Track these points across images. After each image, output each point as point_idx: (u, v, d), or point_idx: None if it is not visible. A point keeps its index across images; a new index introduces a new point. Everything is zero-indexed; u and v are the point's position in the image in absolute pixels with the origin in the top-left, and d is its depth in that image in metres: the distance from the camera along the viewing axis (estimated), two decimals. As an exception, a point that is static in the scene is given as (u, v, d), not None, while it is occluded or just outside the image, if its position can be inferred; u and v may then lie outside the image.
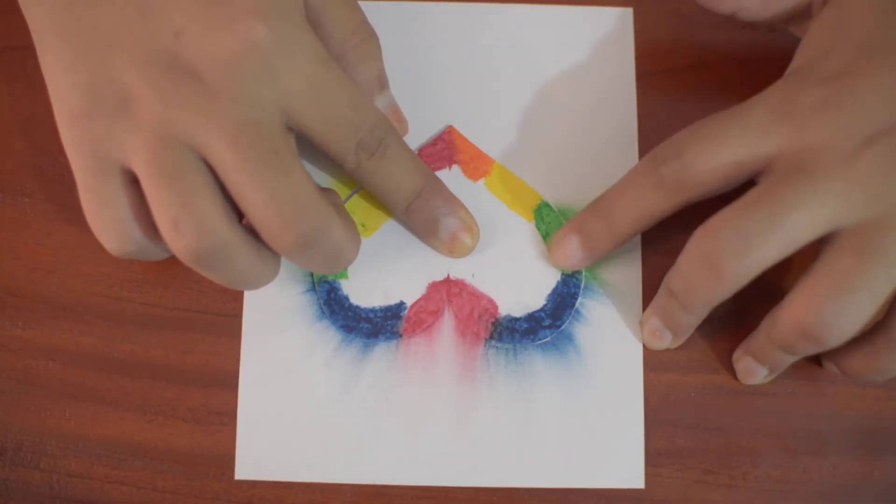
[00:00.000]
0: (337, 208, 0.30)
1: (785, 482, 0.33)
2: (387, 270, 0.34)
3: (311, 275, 0.34)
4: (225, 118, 0.27)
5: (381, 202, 0.33)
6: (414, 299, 0.34)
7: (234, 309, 0.34)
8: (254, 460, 0.33)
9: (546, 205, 0.35)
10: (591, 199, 0.35)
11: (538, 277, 0.34)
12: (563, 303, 0.34)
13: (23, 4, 0.30)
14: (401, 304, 0.34)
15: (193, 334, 0.34)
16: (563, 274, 0.34)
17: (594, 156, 0.35)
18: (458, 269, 0.34)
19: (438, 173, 0.35)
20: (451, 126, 0.35)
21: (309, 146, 0.30)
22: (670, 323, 0.33)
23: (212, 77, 0.27)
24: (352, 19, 0.32)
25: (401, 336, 0.34)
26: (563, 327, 0.34)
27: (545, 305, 0.34)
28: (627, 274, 0.34)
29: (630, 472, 0.33)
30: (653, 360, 0.34)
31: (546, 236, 0.35)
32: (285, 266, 0.33)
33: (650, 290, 0.34)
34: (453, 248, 0.34)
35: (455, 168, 0.35)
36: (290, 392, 0.33)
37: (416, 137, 0.35)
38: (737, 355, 0.33)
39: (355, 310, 0.34)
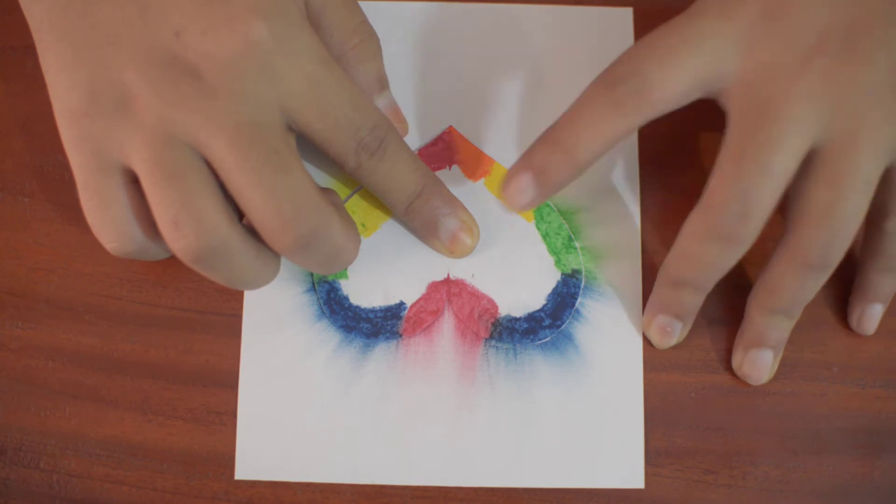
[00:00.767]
0: (337, 208, 0.30)
1: (785, 482, 0.33)
2: (387, 270, 0.34)
3: (311, 275, 0.34)
4: (225, 117, 0.27)
5: (381, 202, 0.33)
6: (414, 299, 0.34)
7: (234, 309, 0.34)
8: (254, 460, 0.33)
9: (546, 205, 0.35)
10: (591, 198, 0.35)
11: (538, 277, 0.34)
12: (563, 303, 0.34)
13: (23, 3, 0.30)
14: (401, 304, 0.34)
15: (193, 334, 0.34)
16: (563, 274, 0.34)
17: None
18: (458, 269, 0.34)
19: (438, 173, 0.35)
20: (451, 126, 0.35)
21: (309, 146, 0.30)
22: (680, 311, 0.33)
23: (212, 76, 0.27)
24: (352, 19, 0.32)
25: (401, 336, 0.34)
26: (563, 327, 0.34)
27: (545, 305, 0.34)
28: (627, 274, 0.34)
29: (630, 472, 0.33)
30: (653, 360, 0.34)
31: (546, 236, 0.35)
32: (285, 266, 0.33)
33: (650, 290, 0.34)
34: (453, 249, 0.34)
35: (455, 168, 0.35)
36: (290, 392, 0.33)
37: (416, 137, 0.35)
38: (737, 357, 0.33)
39: (355, 310, 0.34)
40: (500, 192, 0.33)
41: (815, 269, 0.30)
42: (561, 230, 0.35)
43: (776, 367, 0.33)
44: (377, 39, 0.33)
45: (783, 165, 0.28)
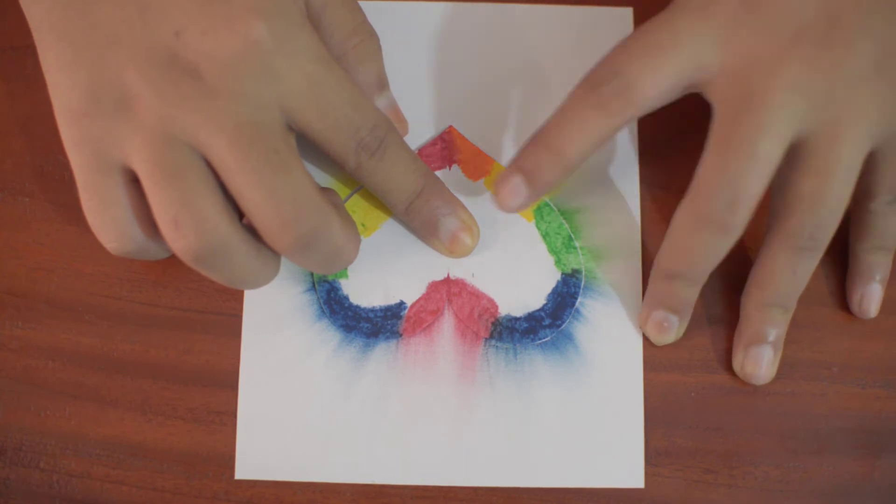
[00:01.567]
0: (337, 208, 0.30)
1: (785, 482, 0.33)
2: (387, 270, 0.34)
3: (311, 274, 0.34)
4: (225, 117, 0.27)
5: (381, 202, 0.33)
6: (414, 299, 0.34)
7: (234, 309, 0.34)
8: (254, 460, 0.33)
9: (546, 204, 0.35)
10: (591, 198, 0.35)
11: (538, 277, 0.34)
12: (563, 302, 0.34)
13: (23, 3, 0.30)
14: (401, 304, 0.34)
15: (193, 334, 0.34)
16: (563, 273, 0.34)
17: (593, 155, 0.35)
18: (458, 268, 0.34)
19: (438, 173, 0.35)
20: (451, 126, 0.35)
21: (309, 146, 0.30)
22: (676, 305, 0.33)
23: (212, 76, 0.27)
24: (352, 19, 0.32)
25: (401, 336, 0.34)
26: (563, 327, 0.34)
27: (545, 305, 0.34)
28: (627, 274, 0.34)
29: (630, 472, 0.33)
30: (653, 360, 0.34)
31: (546, 236, 0.35)
32: (285, 266, 0.33)
33: (650, 289, 0.34)
34: (453, 248, 0.34)
35: (455, 168, 0.35)
36: (290, 392, 0.33)
37: (416, 137, 0.35)
38: (738, 357, 0.33)
39: (355, 309, 0.34)
40: (494, 199, 0.33)
41: (804, 253, 0.30)
42: (561, 230, 0.35)
43: (777, 364, 0.33)
44: (377, 39, 0.33)
45: (769, 152, 0.29)
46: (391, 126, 0.31)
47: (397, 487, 0.33)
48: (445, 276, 0.34)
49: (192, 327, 0.34)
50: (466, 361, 0.34)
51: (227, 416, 0.33)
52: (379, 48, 0.33)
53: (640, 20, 0.36)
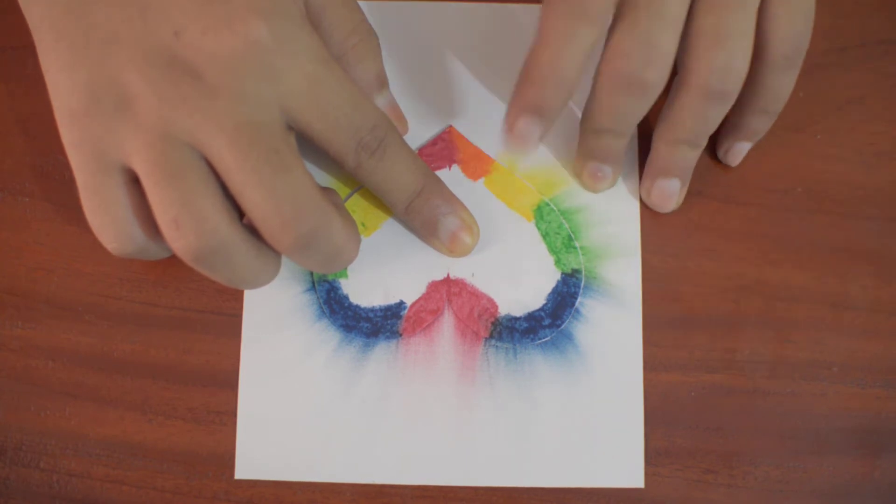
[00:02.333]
0: (337, 207, 0.30)
1: (785, 482, 0.33)
2: (387, 270, 0.34)
3: (311, 274, 0.34)
4: (225, 117, 0.27)
5: (382, 201, 0.33)
6: (414, 299, 0.34)
7: (234, 309, 0.34)
8: (254, 460, 0.33)
9: (546, 204, 0.35)
10: (591, 198, 0.35)
11: (538, 277, 0.34)
12: (563, 302, 0.34)
13: (23, 3, 0.30)
14: (401, 304, 0.34)
15: (193, 334, 0.34)
16: (563, 273, 0.34)
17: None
18: (458, 268, 0.34)
19: (438, 173, 0.35)
20: (451, 126, 0.35)
21: (309, 145, 0.30)
22: (606, 156, 0.34)
23: (211, 76, 0.27)
24: (351, 19, 0.32)
25: (401, 335, 0.34)
26: (563, 327, 0.34)
27: (545, 305, 0.34)
28: (627, 274, 0.34)
29: (630, 472, 0.33)
30: (653, 360, 0.34)
31: (546, 236, 0.35)
32: (285, 266, 0.33)
33: (650, 290, 0.34)
34: (453, 248, 0.34)
35: (455, 168, 0.35)
36: (290, 392, 0.33)
37: (416, 137, 0.35)
38: (646, 186, 0.34)
39: (355, 309, 0.34)
40: (503, 143, 0.33)
41: (714, 96, 0.31)
42: (561, 230, 0.35)
43: (683, 196, 0.34)
44: (377, 39, 0.33)
45: (675, 10, 0.29)
46: (391, 126, 0.31)
47: (397, 487, 0.33)
48: (445, 275, 0.34)
49: (192, 327, 0.34)
50: (466, 361, 0.34)
51: (227, 416, 0.33)
52: (378, 47, 0.33)
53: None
